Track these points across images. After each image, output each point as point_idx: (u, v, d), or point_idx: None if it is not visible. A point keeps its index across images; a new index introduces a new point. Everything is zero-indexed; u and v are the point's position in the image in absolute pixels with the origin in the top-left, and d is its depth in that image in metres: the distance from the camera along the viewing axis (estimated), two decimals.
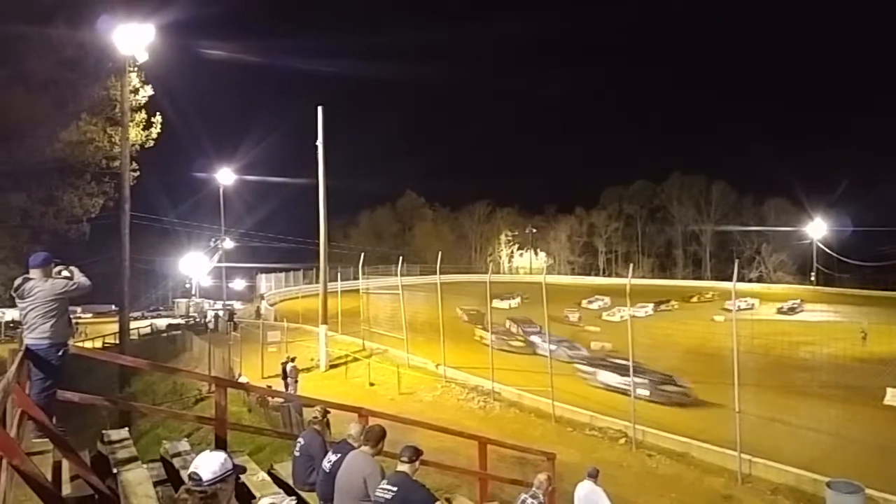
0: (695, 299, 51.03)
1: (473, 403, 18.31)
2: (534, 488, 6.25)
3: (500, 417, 17.11)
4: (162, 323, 47.65)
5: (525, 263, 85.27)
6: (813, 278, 65.49)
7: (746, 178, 78.91)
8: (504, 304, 41.76)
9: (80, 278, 5.67)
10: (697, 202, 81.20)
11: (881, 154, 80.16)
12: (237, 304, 53.87)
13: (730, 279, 14.39)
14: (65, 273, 5.67)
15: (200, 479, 2.76)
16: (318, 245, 25.37)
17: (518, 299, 45.20)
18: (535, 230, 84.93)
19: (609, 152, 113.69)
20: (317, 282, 31.01)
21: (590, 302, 46.68)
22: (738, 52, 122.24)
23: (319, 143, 24.75)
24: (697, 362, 21.72)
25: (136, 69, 22.16)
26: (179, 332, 37.63)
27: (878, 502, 10.60)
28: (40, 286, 5.40)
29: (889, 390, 18.28)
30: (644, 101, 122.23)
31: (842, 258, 60.74)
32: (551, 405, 16.62)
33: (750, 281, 66.46)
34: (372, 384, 20.67)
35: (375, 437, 5.76)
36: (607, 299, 45.54)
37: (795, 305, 46.28)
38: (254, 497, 5.78)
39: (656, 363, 20.57)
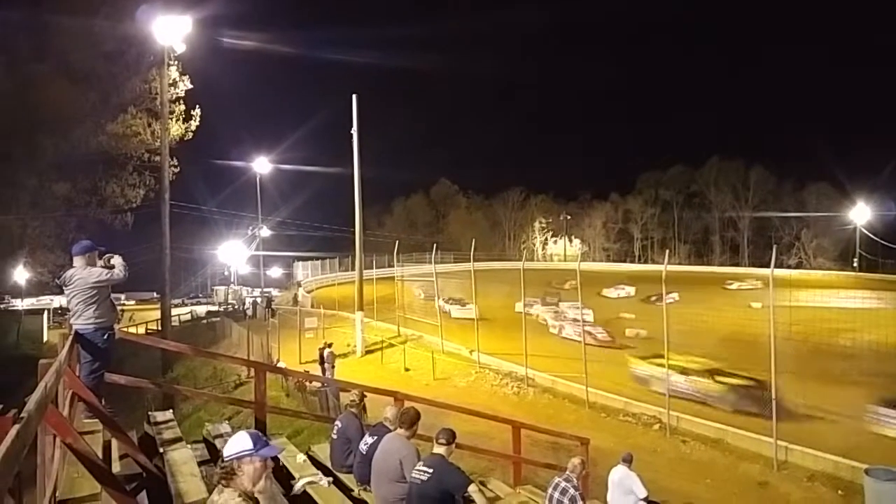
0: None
1: (507, 389, 18.40)
2: (567, 472, 6.29)
3: (533, 403, 17.17)
4: (202, 310, 48.90)
5: (559, 251, 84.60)
6: (855, 264, 63.45)
7: (786, 162, 76.43)
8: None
9: (116, 271, 5.78)
10: (735, 187, 79.20)
11: None
12: (275, 292, 54.88)
13: (768, 265, 14.10)
14: (112, 261, 5.87)
15: (223, 456, 2.93)
16: (353, 233, 25.66)
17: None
18: (569, 217, 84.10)
19: (645, 137, 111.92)
20: (352, 269, 31.41)
21: (616, 289, 44.76)
22: (777, 34, 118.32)
23: (354, 131, 24.93)
24: (734, 349, 21.33)
25: (174, 62, 22.64)
26: (218, 318, 38.56)
27: None
28: (80, 274, 5.62)
29: None
30: (681, 84, 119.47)
31: (885, 243, 58.66)
32: (585, 391, 16.59)
33: (789, 267, 64.76)
34: (407, 369, 20.93)
35: (410, 420, 5.87)
36: (632, 289, 44.02)
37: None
38: (293, 478, 5.96)
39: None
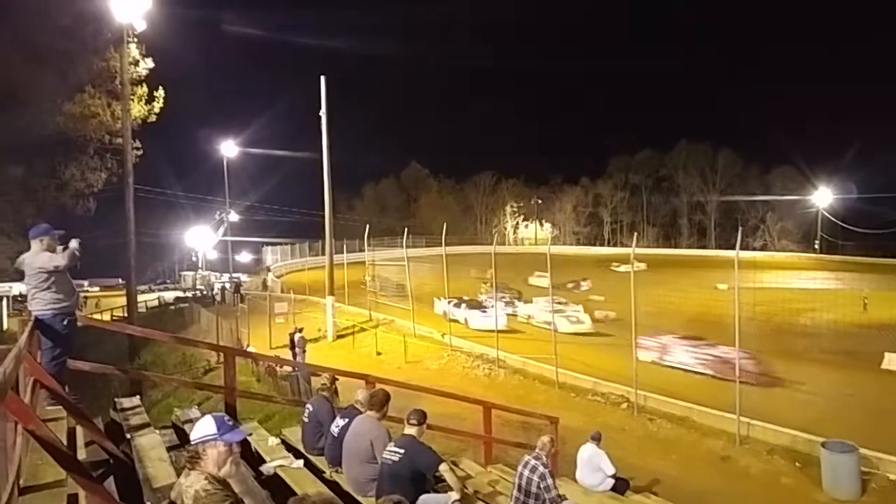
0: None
1: (479, 371, 18.56)
2: (537, 450, 6.40)
3: (504, 384, 17.36)
4: (169, 296, 48.08)
5: (530, 235, 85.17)
6: (817, 246, 65.28)
7: (753, 146, 78.23)
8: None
9: (59, 258, 5.46)
10: (703, 171, 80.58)
11: (887, 121, 79.01)
12: (243, 277, 54.24)
13: (734, 247, 14.43)
14: (70, 245, 5.70)
15: (190, 441, 2.94)
16: (323, 217, 25.41)
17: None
18: (540, 201, 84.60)
19: (615, 122, 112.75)
20: (322, 254, 31.16)
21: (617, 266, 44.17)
22: (745, 22, 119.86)
23: (323, 113, 24.63)
24: (700, 330, 21.84)
25: (135, 40, 21.98)
26: (187, 304, 37.98)
27: (872, 461, 10.79)
28: (30, 259, 5.47)
29: (887, 355, 18.46)
30: (651, 69, 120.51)
31: (845, 226, 60.47)
32: (555, 372, 16.82)
33: (754, 250, 66.32)
34: (379, 353, 20.94)
35: (381, 402, 5.89)
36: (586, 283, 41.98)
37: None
38: (265, 461, 5.95)
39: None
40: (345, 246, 36.99)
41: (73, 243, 5.68)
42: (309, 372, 14.04)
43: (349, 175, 74.63)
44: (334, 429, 6.20)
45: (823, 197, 66.36)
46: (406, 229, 27.54)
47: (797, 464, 11.41)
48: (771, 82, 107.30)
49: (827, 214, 64.66)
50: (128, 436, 5.86)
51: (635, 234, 27.82)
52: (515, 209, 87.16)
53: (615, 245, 78.16)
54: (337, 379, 7.95)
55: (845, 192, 64.36)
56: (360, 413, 6.09)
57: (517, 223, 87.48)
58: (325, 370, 8.87)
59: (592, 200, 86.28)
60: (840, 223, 61.24)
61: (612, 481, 8.66)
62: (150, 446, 5.46)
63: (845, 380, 16.91)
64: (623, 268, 37.82)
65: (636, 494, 9.05)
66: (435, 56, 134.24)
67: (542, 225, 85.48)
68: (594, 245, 79.35)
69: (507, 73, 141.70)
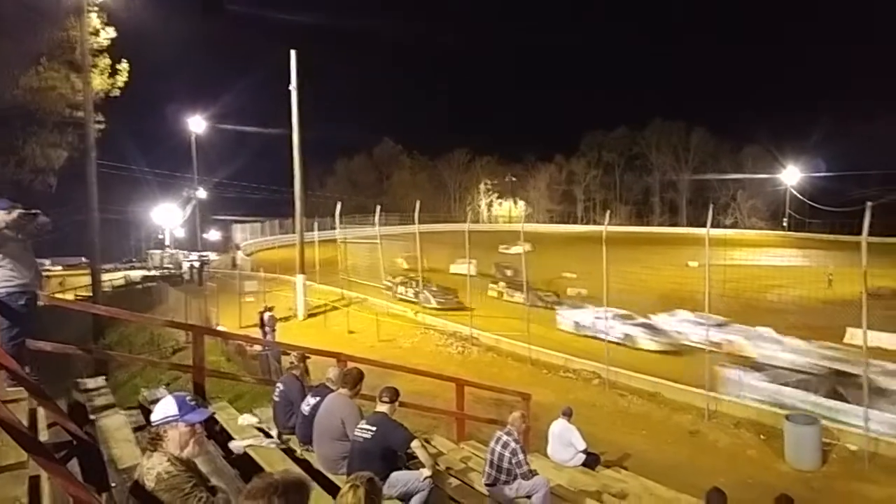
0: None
1: (452, 349, 18.62)
2: (508, 426, 6.42)
3: (477, 361, 17.46)
4: (136, 275, 47.09)
5: (504, 212, 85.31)
6: (785, 224, 66.72)
7: (726, 125, 79.21)
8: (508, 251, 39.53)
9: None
10: (676, 149, 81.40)
11: (855, 100, 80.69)
12: (212, 255, 53.39)
13: (705, 225, 14.63)
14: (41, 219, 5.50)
15: (152, 421, 2.86)
16: (293, 194, 25.01)
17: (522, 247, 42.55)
18: (514, 179, 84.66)
19: (590, 100, 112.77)
20: (293, 232, 30.77)
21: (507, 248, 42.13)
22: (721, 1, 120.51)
23: (293, 87, 24.13)
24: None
25: (96, 8, 21.12)
26: (155, 283, 37.28)
27: (833, 432, 11.15)
28: None
29: (849, 330, 18.98)
30: (627, 47, 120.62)
31: (812, 204, 61.78)
32: (528, 349, 16.96)
33: (725, 227, 67.50)
34: (351, 332, 20.84)
35: (353, 380, 5.84)
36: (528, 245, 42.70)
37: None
38: (234, 440, 5.87)
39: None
40: (316, 224, 36.60)
41: (44, 217, 5.49)
42: (279, 351, 13.91)
43: (321, 151, 73.57)
44: (305, 407, 6.16)
45: (792, 175, 67.70)
46: (378, 206, 27.36)
47: (762, 436, 11.74)
48: (744, 61, 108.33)
49: (795, 192, 65.99)
50: (92, 417, 5.72)
51: (608, 212, 28.03)
52: (489, 187, 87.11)
53: (588, 223, 78.78)
54: (307, 357, 7.88)
55: (813, 171, 65.74)
56: (332, 391, 6.04)
57: (491, 201, 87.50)
58: (296, 349, 8.79)
59: (566, 178, 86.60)
60: (807, 201, 62.51)
61: (583, 456, 8.79)
62: (116, 427, 5.34)
63: None
64: (513, 249, 37.83)
65: (606, 468, 9.20)
66: (409, 31, 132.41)
67: (516, 203, 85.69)
68: (567, 223, 79.83)
69: (482, 49, 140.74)
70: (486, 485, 6.21)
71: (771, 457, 11.01)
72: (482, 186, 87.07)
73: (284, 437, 6.35)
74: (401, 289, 26.30)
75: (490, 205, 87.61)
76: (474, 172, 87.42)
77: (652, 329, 19.70)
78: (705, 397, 12.93)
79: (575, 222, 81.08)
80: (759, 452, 11.31)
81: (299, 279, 24.15)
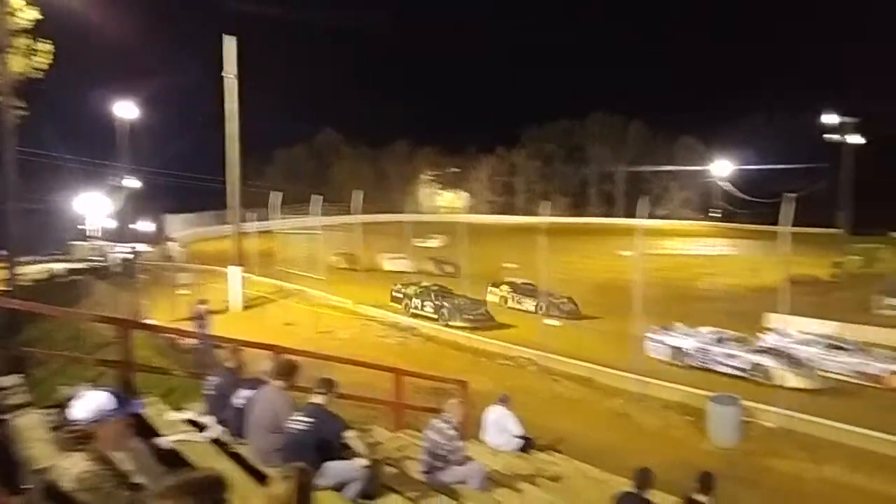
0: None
1: (391, 340, 18.62)
2: (445, 413, 6.49)
3: (417, 351, 17.52)
4: (61, 268, 44.74)
5: (446, 204, 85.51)
6: (715, 215, 69.78)
7: (662, 118, 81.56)
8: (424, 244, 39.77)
9: None
10: (614, 142, 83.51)
11: (784, 94, 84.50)
12: (143, 247, 51.29)
13: (638, 216, 15.13)
14: None
15: (75, 419, 2.74)
16: (225, 184, 24.33)
17: (437, 240, 42.59)
18: (456, 170, 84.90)
19: (531, 92, 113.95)
20: (230, 223, 29.95)
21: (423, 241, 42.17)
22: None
23: (226, 74, 23.45)
24: (607, 295, 22.92)
25: None
26: (81, 276, 35.52)
27: (752, 412, 11.82)
28: None
29: (764, 315, 20.15)
30: (566, 40, 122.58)
31: (741, 195, 64.69)
32: (467, 338, 17.15)
33: (658, 218, 69.85)
34: (289, 324, 20.49)
35: (288, 371, 5.79)
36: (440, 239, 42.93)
37: None
38: (163, 436, 5.71)
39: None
40: (255, 215, 35.73)
41: None
42: (213, 344, 13.55)
43: (259, 140, 71.48)
44: (239, 400, 6.06)
45: (722, 167, 70.81)
46: (316, 196, 26.96)
47: (688, 417, 12.30)
48: (679, 54, 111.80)
49: (724, 184, 68.92)
50: (5, 416, 5.44)
51: (548, 203, 28.60)
52: (431, 177, 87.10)
53: (528, 214, 79.93)
54: (241, 349, 7.72)
55: (743, 163, 68.81)
56: (266, 383, 5.96)
57: (433, 192, 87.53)
58: (230, 342, 8.59)
59: (507, 170, 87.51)
60: (737, 192, 65.38)
61: (518, 441, 8.97)
62: (31, 426, 5.10)
63: None
64: (428, 243, 39.87)
65: (541, 452, 9.43)
66: (350, 20, 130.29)
67: (457, 194, 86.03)
68: (508, 214, 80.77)
69: (425, 39, 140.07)
70: (423, 472, 6.27)
71: (696, 436, 11.59)
72: (424, 177, 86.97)
73: (218, 430, 6.23)
74: (415, 301, 22.14)
75: (431, 196, 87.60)
76: (416, 163, 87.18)
77: (789, 359, 15.22)
78: (636, 381, 13.43)
79: (516, 213, 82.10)
80: (684, 433, 11.88)
81: (236, 271, 23.56)
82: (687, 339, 16.88)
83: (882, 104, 54.91)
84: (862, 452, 10.58)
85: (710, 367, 15.61)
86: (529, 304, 23.35)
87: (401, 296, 22.86)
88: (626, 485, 6.15)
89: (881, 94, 58.41)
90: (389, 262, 33.61)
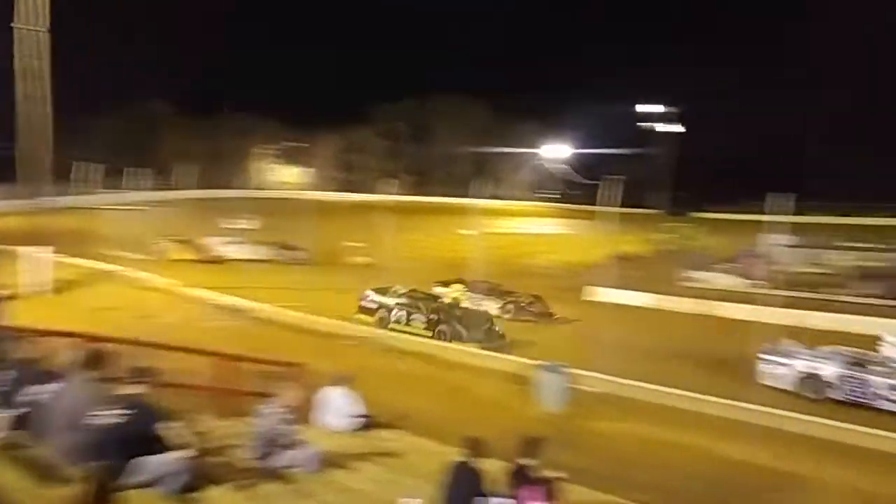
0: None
1: (222, 323, 17.64)
2: (277, 397, 6.29)
3: (250, 335, 16.65)
4: None
5: (287, 179, 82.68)
6: (552, 196, 75.12)
7: (507, 100, 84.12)
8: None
9: None
10: (459, 122, 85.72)
11: (619, 80, 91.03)
12: None
13: (479, 197, 15.70)
14: None
15: None
16: (28, 152, 21.44)
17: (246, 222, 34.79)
18: (298, 145, 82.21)
19: (378, 69, 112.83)
20: (27, 198, 26.34)
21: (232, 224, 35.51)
22: None
23: (16, 25, 20.56)
24: (454, 273, 23.54)
25: None
26: None
27: (577, 378, 12.95)
28: None
29: (584, 288, 22.26)
30: (413, 16, 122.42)
31: (577, 177, 70.05)
32: (306, 320, 16.79)
33: (497, 198, 73.31)
34: (106, 308, 18.59)
35: (94, 361, 5.32)
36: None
37: None
38: None
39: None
40: (70, 190, 31.91)
41: None
42: (9, 334, 11.96)
43: (79, 106, 63.55)
44: (39, 395, 5.48)
45: (559, 150, 76.11)
46: (141, 170, 24.73)
47: (522, 386, 13.14)
48: (532, 37, 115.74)
49: (561, 167, 74.15)
50: None
51: (395, 181, 28.70)
52: (271, 152, 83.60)
53: (371, 192, 79.89)
54: (41, 338, 6.91)
55: (578, 147, 74.31)
56: (71, 375, 5.39)
57: (273, 167, 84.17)
58: (30, 331, 7.66)
59: (353, 147, 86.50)
60: (573, 175, 70.64)
61: (355, 420, 8.95)
62: None
63: (557, 311, 20.02)
64: (239, 224, 32.82)
65: (382, 430, 9.49)
66: None
67: (299, 170, 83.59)
68: (352, 192, 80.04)
69: (263, 7, 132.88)
70: (255, 459, 6.05)
71: (527, 404, 12.40)
72: (263, 151, 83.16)
73: (10, 432, 5.53)
74: (398, 314, 17.72)
75: (272, 171, 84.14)
76: (255, 137, 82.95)
77: None
78: (475, 355, 14.06)
79: (361, 191, 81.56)
80: (518, 401, 12.68)
81: (43, 251, 20.92)
82: (824, 363, 13.04)
83: (700, 96, 61.67)
84: None
85: (870, 403, 12.05)
86: (491, 306, 20.16)
87: (374, 306, 18.38)
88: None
89: (700, 85, 64.95)
90: (223, 248, 29.79)
